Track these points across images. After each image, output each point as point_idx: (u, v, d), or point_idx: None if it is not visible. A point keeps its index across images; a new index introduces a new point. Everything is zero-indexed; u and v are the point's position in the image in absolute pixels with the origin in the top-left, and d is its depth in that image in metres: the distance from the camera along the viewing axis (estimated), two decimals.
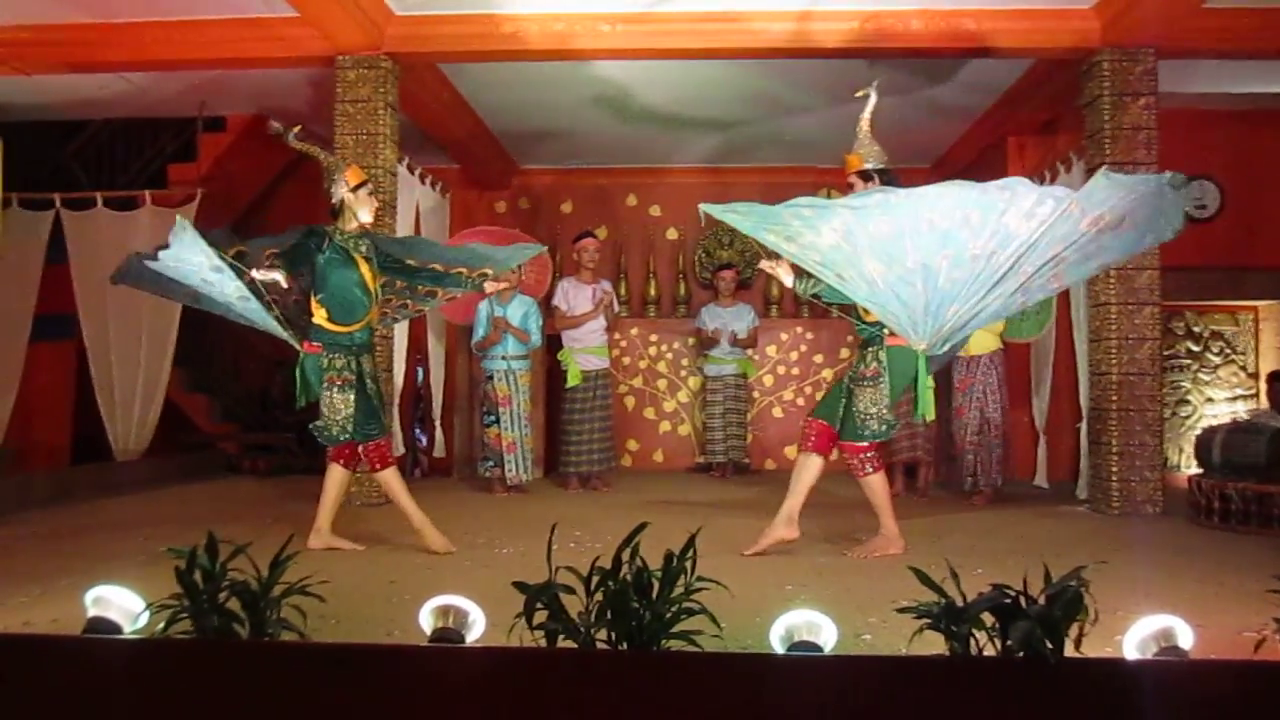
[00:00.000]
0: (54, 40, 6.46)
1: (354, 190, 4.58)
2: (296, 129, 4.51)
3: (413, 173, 7.25)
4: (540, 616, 2.40)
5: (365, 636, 2.92)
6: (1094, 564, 2.53)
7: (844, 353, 9.23)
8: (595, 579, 2.42)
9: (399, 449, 6.67)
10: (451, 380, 8.38)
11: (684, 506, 4.91)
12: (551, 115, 8.02)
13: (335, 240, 4.54)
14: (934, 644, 2.36)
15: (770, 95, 7.48)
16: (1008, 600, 2.29)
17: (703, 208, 3.87)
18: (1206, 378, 8.75)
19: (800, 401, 9.21)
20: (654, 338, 9.27)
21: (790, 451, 9.18)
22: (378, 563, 4.30)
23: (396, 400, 6.84)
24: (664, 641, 2.34)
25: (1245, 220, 8.15)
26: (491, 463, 6.96)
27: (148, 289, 4.71)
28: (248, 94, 7.77)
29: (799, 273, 4.41)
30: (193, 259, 4.08)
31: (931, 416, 4.64)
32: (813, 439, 4.62)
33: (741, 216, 3.88)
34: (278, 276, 4.37)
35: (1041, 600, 2.29)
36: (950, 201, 3.68)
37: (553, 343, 7.69)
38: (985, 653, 2.29)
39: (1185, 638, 2.41)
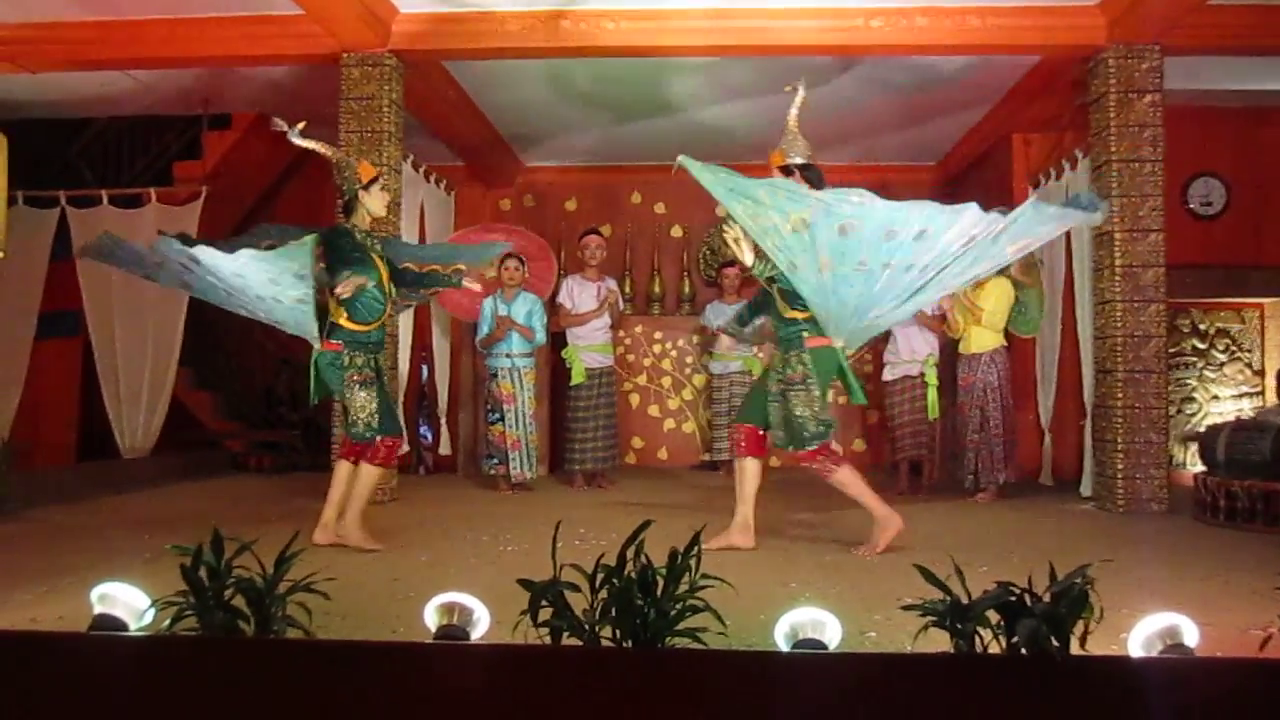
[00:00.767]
0: (59, 38, 6.47)
1: (366, 186, 4.59)
2: (301, 125, 4.51)
3: (417, 170, 7.26)
4: (545, 614, 2.40)
5: (370, 634, 2.92)
6: (1099, 562, 2.53)
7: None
8: (600, 576, 2.42)
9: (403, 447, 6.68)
10: (456, 377, 8.38)
11: (688, 504, 4.91)
12: (557, 112, 8.02)
13: (355, 238, 4.56)
14: (939, 641, 2.36)
15: (773, 92, 7.46)
16: (1013, 598, 2.29)
17: (680, 160, 3.97)
18: (1212, 375, 8.73)
19: None
20: (658, 335, 9.26)
21: None
22: (382, 560, 4.30)
23: (402, 398, 6.85)
24: (669, 639, 2.34)
25: (1251, 218, 8.13)
26: (496, 460, 6.96)
27: (125, 267, 4.68)
28: (253, 91, 7.77)
29: (759, 254, 4.43)
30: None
31: (862, 400, 4.66)
32: (743, 444, 4.65)
33: (714, 179, 3.97)
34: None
35: (1047, 598, 2.29)
36: (915, 216, 3.82)
37: (557, 340, 7.69)
38: (990, 650, 2.29)
39: (1191, 635, 2.41)
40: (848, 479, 4.54)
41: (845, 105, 7.73)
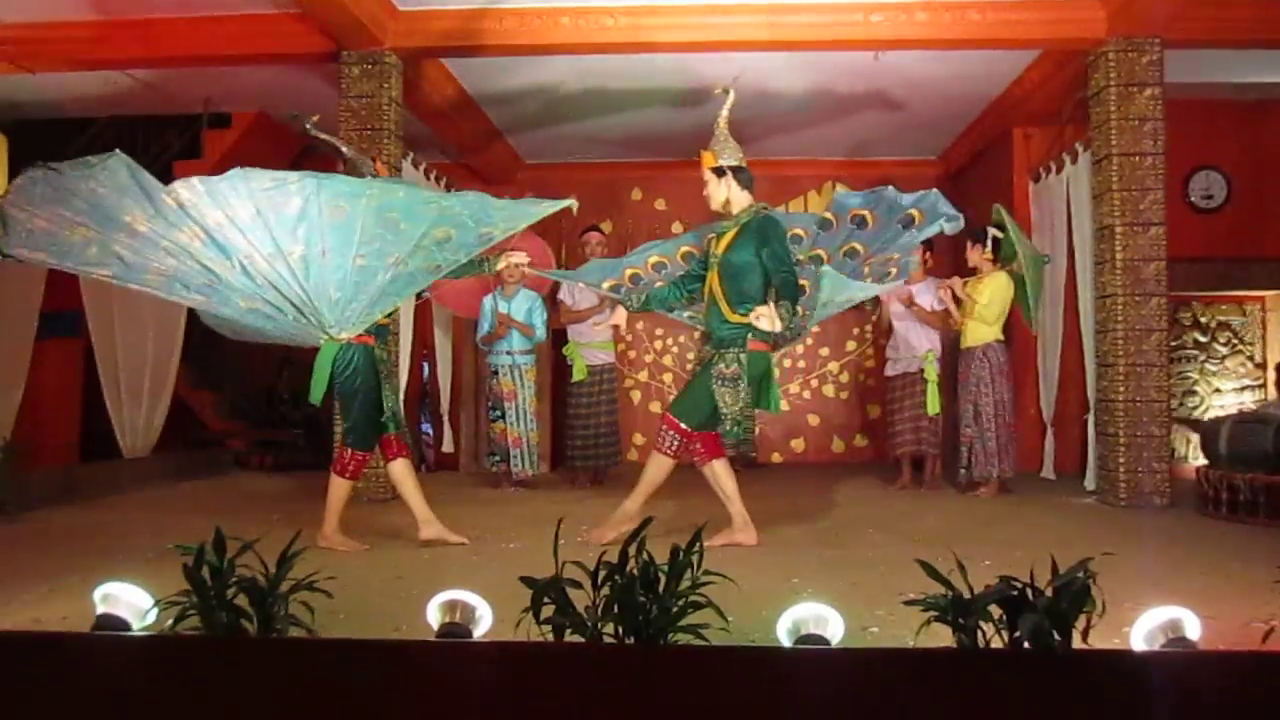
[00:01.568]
0: (59, 38, 6.48)
1: None
2: (315, 118, 4.50)
3: (418, 168, 7.25)
4: (547, 611, 2.40)
5: (373, 632, 2.92)
6: (1101, 555, 2.54)
7: (850, 345, 9.23)
8: (602, 573, 2.42)
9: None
10: (458, 375, 8.39)
11: (690, 501, 4.92)
12: (556, 109, 8.02)
13: None
14: (941, 636, 2.36)
15: (775, 88, 7.47)
16: (1015, 592, 2.29)
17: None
18: (1214, 368, 8.73)
19: (806, 395, 9.21)
20: (660, 331, 9.27)
21: (797, 444, 9.20)
22: (385, 558, 4.31)
23: (404, 396, 6.84)
24: (671, 635, 2.35)
25: (1252, 211, 8.12)
26: (498, 458, 6.96)
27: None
28: (253, 90, 7.77)
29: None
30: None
31: (777, 409, 4.72)
32: (702, 450, 4.64)
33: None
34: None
35: (1049, 592, 2.29)
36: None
37: (559, 337, 7.68)
38: (993, 645, 2.29)
39: (1193, 629, 2.41)
40: (719, 472, 4.64)
41: (845, 100, 7.73)
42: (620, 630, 2.36)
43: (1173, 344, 7.99)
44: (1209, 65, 6.99)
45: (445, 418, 8.03)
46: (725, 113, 4.69)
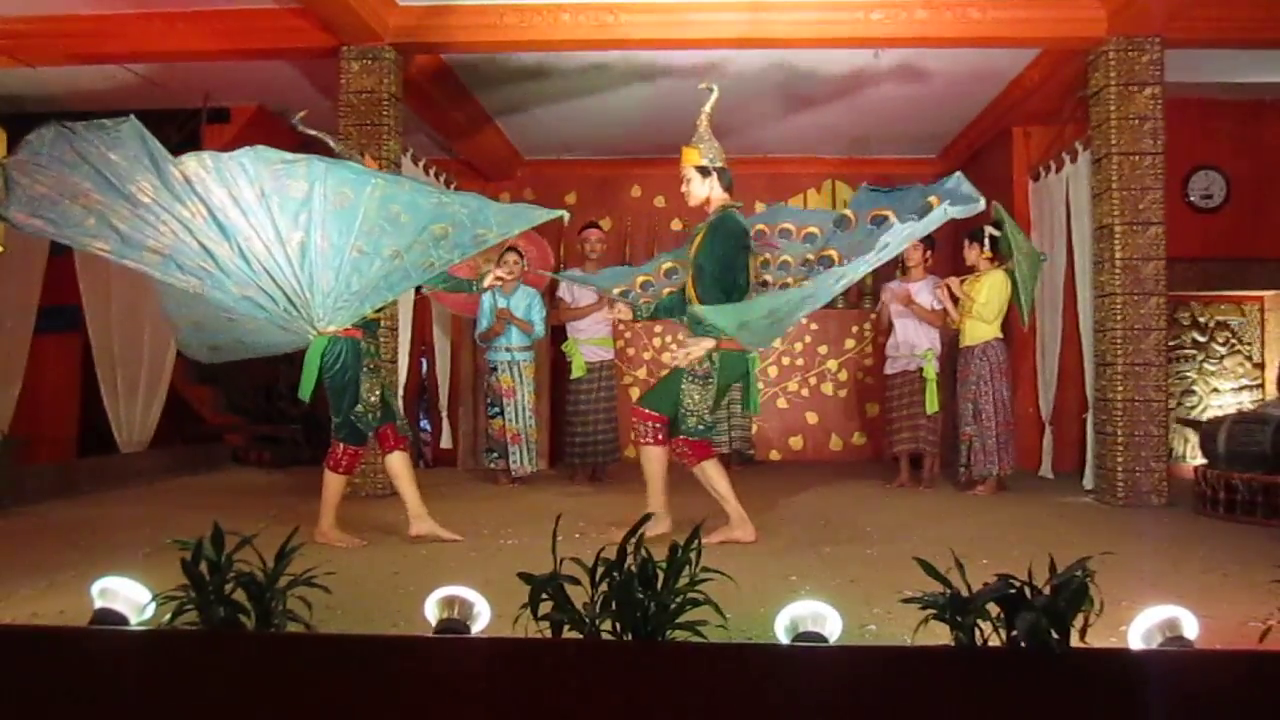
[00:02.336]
0: (57, 32, 6.46)
1: None
2: (303, 114, 4.52)
3: (417, 164, 7.24)
4: (545, 607, 2.40)
5: (371, 628, 2.93)
6: (1099, 554, 2.54)
7: (849, 343, 9.22)
8: (600, 570, 2.42)
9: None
10: (456, 371, 8.38)
11: (688, 498, 4.91)
12: (556, 106, 8.01)
13: None
14: (939, 635, 2.36)
15: (776, 85, 7.47)
16: (1013, 591, 2.29)
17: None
18: (1212, 368, 8.74)
19: (805, 392, 9.21)
20: (658, 329, 9.26)
21: (796, 442, 9.20)
22: (383, 554, 4.31)
23: (402, 392, 6.85)
24: (669, 632, 2.35)
25: (1251, 211, 8.12)
26: (496, 454, 6.96)
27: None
28: (252, 85, 7.76)
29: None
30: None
31: (756, 409, 4.72)
32: (690, 454, 4.61)
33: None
34: None
35: (1047, 591, 2.29)
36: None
37: (557, 334, 7.68)
38: (990, 643, 2.29)
39: (1190, 628, 2.41)
40: (709, 474, 4.60)
41: (845, 98, 7.73)
42: (618, 627, 2.36)
43: (1171, 343, 7.99)
44: (1209, 65, 6.99)
45: (444, 414, 8.02)
46: (708, 110, 4.66)
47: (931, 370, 6.69)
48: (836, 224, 4.77)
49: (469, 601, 2.57)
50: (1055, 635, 2.22)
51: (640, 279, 5.19)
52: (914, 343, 6.77)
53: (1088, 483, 6.48)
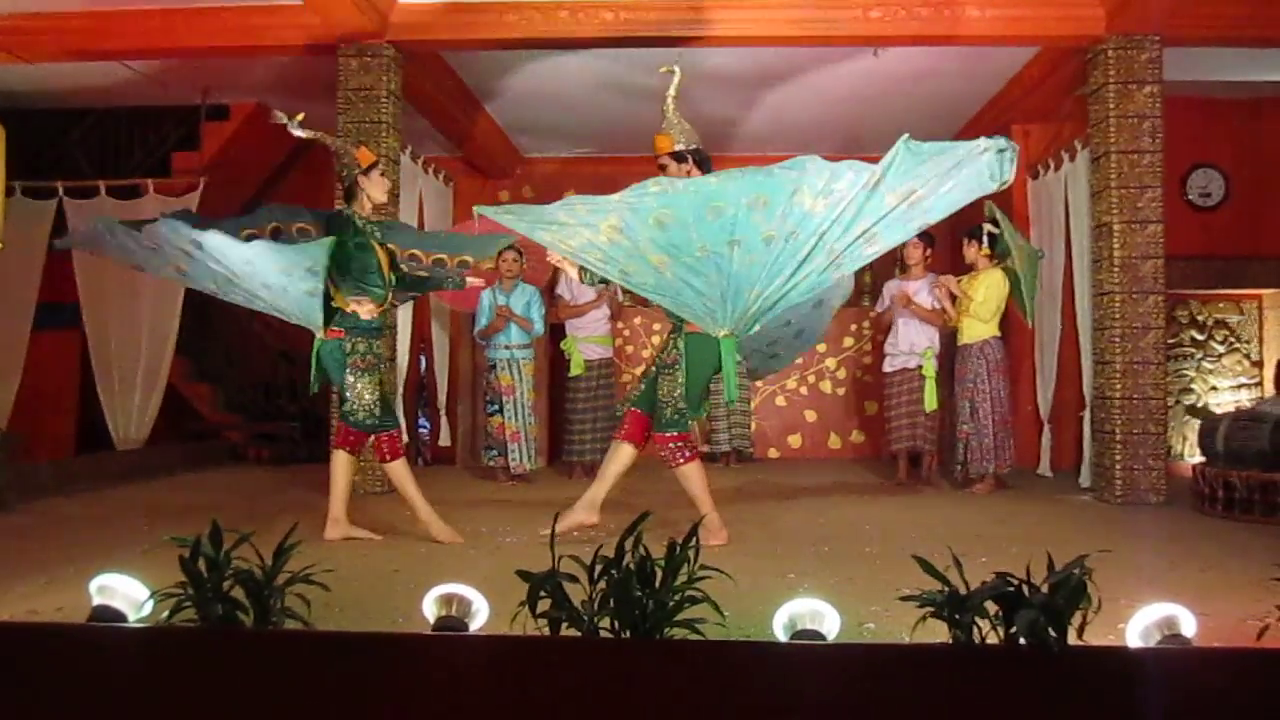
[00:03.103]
0: (56, 28, 6.45)
1: (365, 172, 4.59)
2: (300, 116, 4.49)
3: (416, 161, 7.24)
4: (544, 605, 2.40)
5: (369, 625, 2.92)
6: (1097, 552, 2.54)
7: (848, 341, 9.22)
8: (599, 568, 2.42)
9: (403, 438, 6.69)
10: (455, 369, 8.38)
11: (687, 495, 4.91)
12: (555, 103, 8.00)
13: (356, 225, 4.55)
14: (937, 632, 2.36)
15: (772, 83, 7.47)
16: (1011, 589, 2.29)
17: (477, 210, 3.98)
18: (1210, 366, 8.74)
19: (804, 390, 9.20)
20: (657, 327, 9.25)
21: (794, 440, 9.20)
22: (381, 551, 4.30)
23: (401, 389, 6.84)
24: (667, 630, 2.35)
25: (1250, 209, 8.13)
26: (495, 452, 6.96)
27: (114, 254, 4.67)
28: (251, 81, 7.75)
29: (583, 270, 4.48)
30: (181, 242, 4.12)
31: (734, 397, 4.61)
32: (625, 428, 4.58)
33: (515, 218, 3.93)
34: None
35: (1045, 588, 2.29)
36: (735, 187, 3.71)
37: (556, 332, 7.68)
38: (989, 641, 2.29)
39: (1188, 626, 2.41)
40: (692, 475, 4.49)
41: (842, 97, 7.73)
42: (616, 625, 2.36)
43: (1170, 342, 7.99)
44: (1208, 63, 6.99)
45: (442, 411, 8.02)
46: (672, 92, 4.54)
47: (930, 368, 6.69)
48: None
49: (467, 599, 2.57)
50: (1053, 633, 2.22)
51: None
52: (913, 341, 6.77)
53: (1086, 481, 6.49)
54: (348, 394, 4.57)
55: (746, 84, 7.44)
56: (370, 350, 4.63)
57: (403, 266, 4.88)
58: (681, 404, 4.44)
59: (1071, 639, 2.24)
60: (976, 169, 3.76)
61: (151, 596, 2.61)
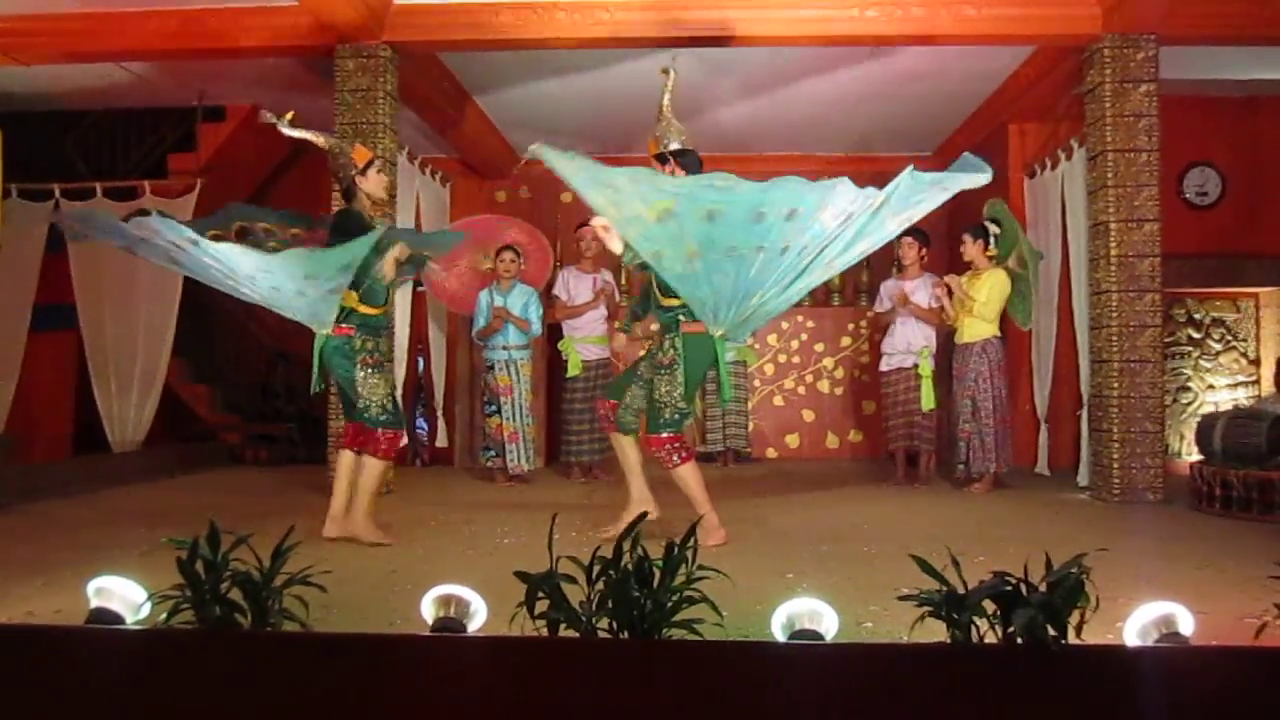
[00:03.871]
0: (52, 30, 6.45)
1: (363, 170, 4.57)
2: (289, 116, 4.47)
3: (413, 162, 7.24)
4: (542, 606, 2.40)
5: (367, 626, 2.92)
6: (1095, 551, 2.54)
7: (845, 340, 9.22)
8: (597, 568, 2.42)
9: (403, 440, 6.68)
10: (453, 370, 8.38)
11: (685, 495, 4.91)
12: (552, 104, 8.00)
13: (365, 221, 4.54)
14: (935, 632, 2.36)
15: (772, 82, 7.47)
16: (1009, 588, 2.30)
17: (532, 149, 3.76)
18: (1208, 365, 8.74)
19: (801, 390, 9.20)
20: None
21: (792, 440, 9.20)
22: (379, 553, 4.30)
23: (400, 390, 6.84)
24: (665, 630, 2.35)
25: (1246, 207, 8.13)
26: (493, 452, 6.96)
27: (104, 238, 4.61)
28: (247, 83, 7.75)
29: (627, 244, 4.37)
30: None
31: (730, 397, 4.58)
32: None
33: (573, 168, 3.77)
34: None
35: (1043, 587, 2.29)
36: (781, 195, 3.65)
37: (554, 332, 7.68)
38: (987, 640, 2.29)
39: (1186, 624, 2.42)
40: (688, 477, 4.48)
41: (841, 96, 7.73)
42: (615, 625, 2.36)
43: (1166, 340, 8.00)
44: (1204, 62, 7.00)
45: (439, 412, 8.02)
46: (667, 96, 4.52)
47: (927, 367, 6.69)
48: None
49: (465, 600, 2.57)
50: (1051, 632, 2.22)
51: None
52: (910, 340, 6.77)
53: (1083, 479, 6.49)
54: (360, 391, 4.51)
55: (744, 84, 7.44)
56: (378, 348, 4.64)
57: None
58: (680, 404, 4.44)
59: (1069, 638, 2.25)
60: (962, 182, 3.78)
61: (149, 598, 2.61)
